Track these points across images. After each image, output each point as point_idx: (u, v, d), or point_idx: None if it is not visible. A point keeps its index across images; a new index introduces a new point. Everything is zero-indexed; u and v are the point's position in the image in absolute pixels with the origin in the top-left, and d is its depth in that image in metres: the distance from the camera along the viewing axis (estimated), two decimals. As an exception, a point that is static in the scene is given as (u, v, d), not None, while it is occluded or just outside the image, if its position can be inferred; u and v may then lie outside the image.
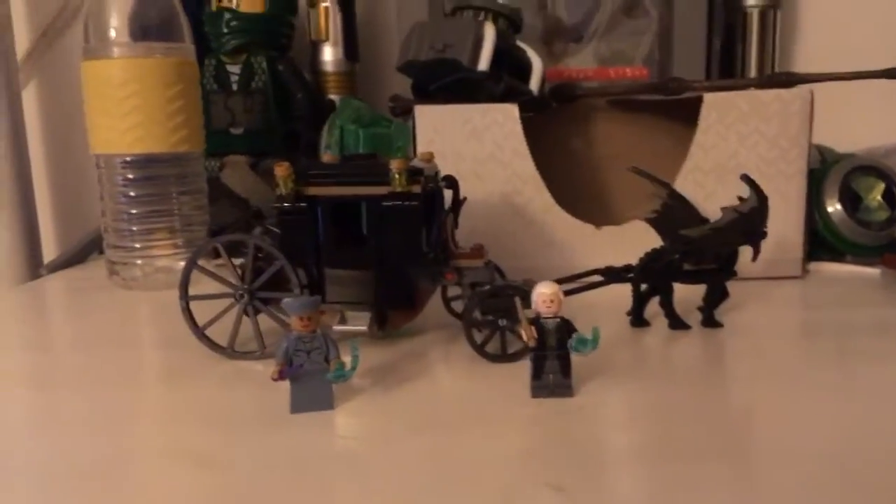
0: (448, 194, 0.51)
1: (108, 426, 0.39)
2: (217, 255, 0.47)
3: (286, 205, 0.46)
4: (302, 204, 0.46)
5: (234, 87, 0.86)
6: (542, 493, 0.31)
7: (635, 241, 0.54)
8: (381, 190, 0.46)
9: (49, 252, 0.89)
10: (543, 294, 0.40)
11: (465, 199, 0.51)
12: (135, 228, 0.66)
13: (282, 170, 0.46)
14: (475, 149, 0.64)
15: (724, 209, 0.50)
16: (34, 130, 0.93)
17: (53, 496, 0.32)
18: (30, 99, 0.94)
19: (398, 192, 0.46)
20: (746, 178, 0.49)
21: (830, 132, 0.74)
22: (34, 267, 0.80)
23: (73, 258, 0.82)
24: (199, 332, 0.47)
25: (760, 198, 0.48)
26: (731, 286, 0.52)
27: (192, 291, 0.47)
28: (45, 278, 0.77)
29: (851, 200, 0.68)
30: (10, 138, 0.80)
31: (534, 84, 0.68)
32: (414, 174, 0.46)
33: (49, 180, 0.95)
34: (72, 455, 0.36)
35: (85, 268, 0.80)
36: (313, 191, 0.47)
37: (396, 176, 0.45)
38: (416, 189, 0.46)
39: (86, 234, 0.85)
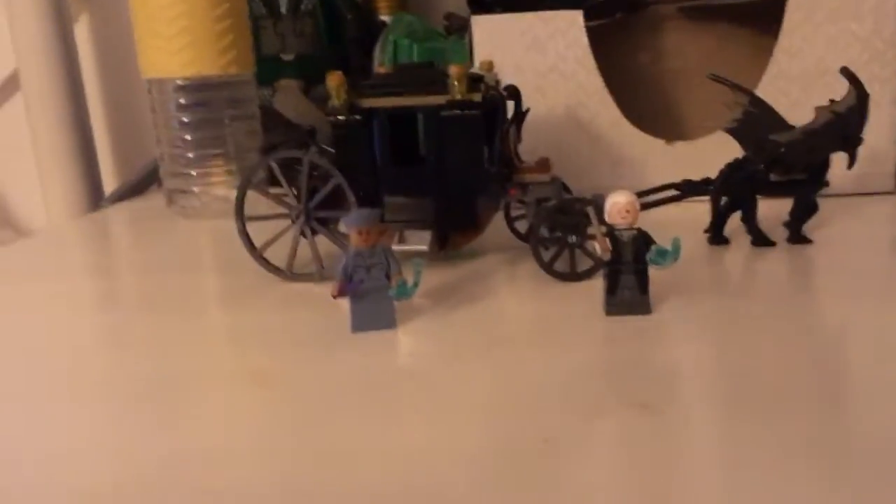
0: (510, 105, 0.48)
1: (171, 347, 0.38)
2: (273, 179, 0.45)
3: (340, 117, 0.44)
4: (356, 116, 0.44)
5: (283, 10, 0.83)
6: (628, 411, 0.29)
7: (710, 156, 0.50)
8: (440, 99, 0.43)
9: (110, 185, 0.89)
10: (619, 203, 0.37)
11: (528, 109, 0.48)
12: (190, 155, 0.65)
13: (334, 79, 0.43)
14: (536, 61, 0.60)
15: (818, 109, 0.46)
16: (89, 64, 0.92)
17: (120, 413, 0.32)
18: (83, 31, 0.93)
19: (457, 101, 0.43)
20: (846, 72, 0.44)
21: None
22: (95, 199, 0.80)
23: (133, 190, 0.82)
24: (257, 254, 0.46)
25: (861, 95, 0.44)
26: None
27: (249, 214, 0.46)
28: (105, 209, 0.77)
29: (952, 107, 0.62)
30: (65, 74, 0.79)
31: (599, -11, 0.63)
32: (474, 81, 0.43)
33: (107, 114, 0.95)
34: (138, 374, 0.35)
35: (144, 199, 0.80)
36: (368, 102, 0.44)
37: (455, 83, 0.42)
38: (477, 97, 0.43)
39: (145, 165, 0.84)
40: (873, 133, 0.58)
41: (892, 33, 0.57)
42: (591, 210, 0.38)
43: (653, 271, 0.38)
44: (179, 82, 0.64)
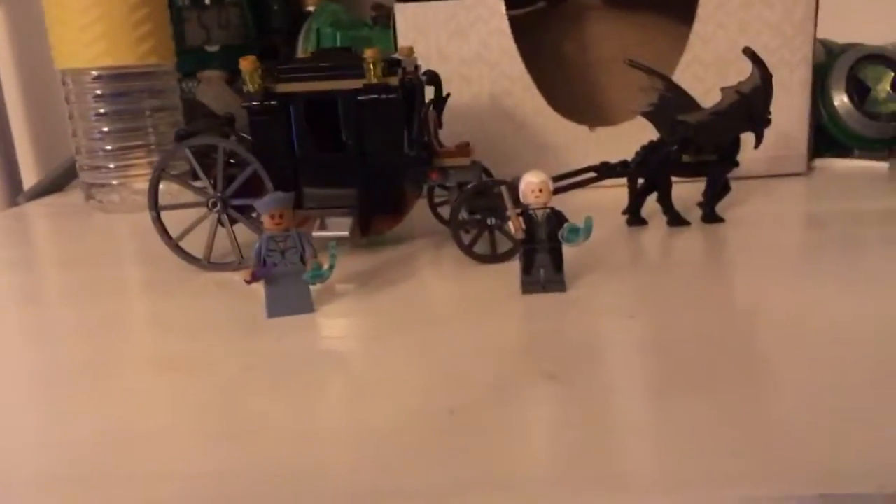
0: (430, 91, 0.48)
1: (89, 336, 0.38)
2: (193, 169, 0.44)
3: (255, 103, 0.43)
4: (272, 102, 0.43)
5: (208, 1, 0.82)
6: (535, 383, 0.29)
7: (632, 141, 0.51)
8: (356, 83, 0.43)
9: (30, 181, 0.86)
10: (531, 183, 0.37)
11: (448, 94, 0.48)
12: (108, 147, 0.63)
13: (247, 63, 0.42)
14: (460, 48, 0.61)
15: (723, 90, 0.47)
16: (4, 55, 0.89)
17: (41, 400, 0.31)
18: (-4, 23, 0.89)
19: (374, 85, 0.42)
20: (749, 53, 0.45)
21: (833, 27, 0.70)
22: (12, 195, 0.77)
23: (52, 186, 0.79)
24: (173, 243, 0.45)
25: (764, 75, 0.45)
26: (733, 184, 0.50)
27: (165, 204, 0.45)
28: (23, 206, 0.74)
29: (859, 92, 0.65)
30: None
31: (521, -22, 0.64)
32: (391, 66, 0.43)
33: (26, 107, 0.92)
34: (57, 362, 0.35)
35: (64, 195, 0.78)
36: (284, 87, 0.43)
37: (371, 67, 0.42)
38: (394, 81, 0.43)
39: (64, 160, 0.81)
40: (785, 116, 0.60)
41: (801, 19, 0.59)
42: (504, 190, 0.38)
43: (571, 251, 0.38)
44: (95, 73, 0.62)
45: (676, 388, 0.28)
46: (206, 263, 0.45)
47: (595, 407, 0.27)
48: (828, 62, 0.66)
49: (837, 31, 0.71)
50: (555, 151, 0.62)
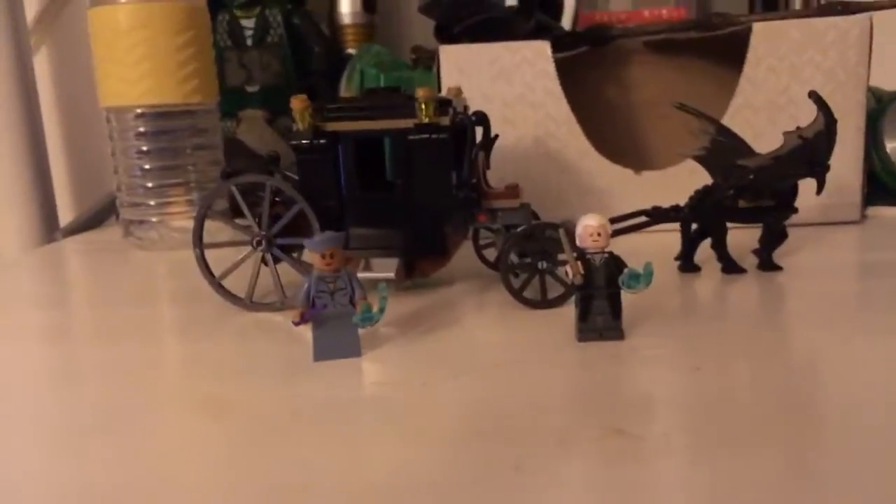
0: (479, 131, 0.47)
1: (125, 379, 0.36)
2: (235, 207, 0.44)
3: (304, 142, 0.43)
4: (321, 141, 0.43)
5: (249, 42, 0.83)
6: (602, 437, 0.27)
7: (678, 186, 0.49)
8: (407, 123, 0.42)
9: (67, 218, 0.87)
10: (590, 226, 0.36)
11: (496, 136, 0.47)
12: (149, 185, 0.63)
13: (298, 102, 0.42)
14: (504, 90, 0.60)
15: (786, 134, 0.46)
16: (48, 92, 0.90)
17: (74, 447, 0.29)
18: (42, 61, 0.91)
19: (425, 124, 0.42)
20: (814, 96, 0.44)
21: (879, 74, 0.69)
22: (49, 231, 0.77)
23: (89, 222, 0.80)
24: (215, 282, 0.44)
25: (829, 120, 0.44)
26: (785, 231, 0.48)
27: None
28: (60, 242, 0.74)
29: (912, 139, 0.63)
30: (23, 103, 0.77)
31: (566, 21, 0.64)
32: (442, 105, 0.42)
33: (65, 144, 0.93)
34: (92, 407, 0.33)
35: (101, 231, 0.78)
36: (333, 126, 0.43)
37: (423, 106, 0.41)
38: (445, 121, 0.42)
39: (102, 197, 0.82)
40: (838, 164, 0.58)
41: (854, 65, 0.58)
42: (562, 233, 0.37)
43: (624, 297, 0.37)
44: (139, 110, 0.62)
45: (735, 442, 0.26)
46: (249, 303, 0.44)
47: (659, 464, 0.25)
48: (880, 108, 0.65)
49: (883, 78, 0.70)
50: (599, 195, 0.61)
